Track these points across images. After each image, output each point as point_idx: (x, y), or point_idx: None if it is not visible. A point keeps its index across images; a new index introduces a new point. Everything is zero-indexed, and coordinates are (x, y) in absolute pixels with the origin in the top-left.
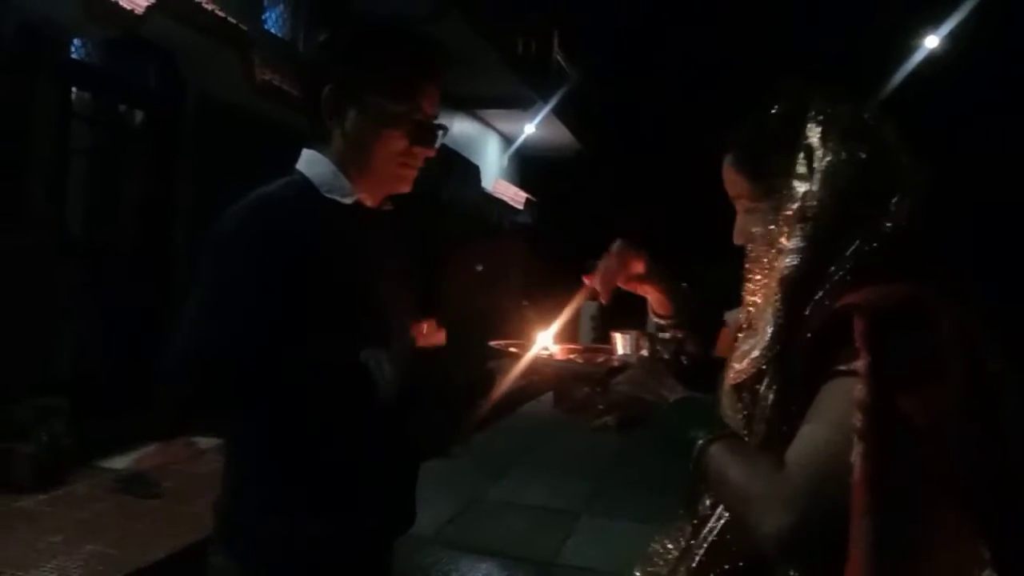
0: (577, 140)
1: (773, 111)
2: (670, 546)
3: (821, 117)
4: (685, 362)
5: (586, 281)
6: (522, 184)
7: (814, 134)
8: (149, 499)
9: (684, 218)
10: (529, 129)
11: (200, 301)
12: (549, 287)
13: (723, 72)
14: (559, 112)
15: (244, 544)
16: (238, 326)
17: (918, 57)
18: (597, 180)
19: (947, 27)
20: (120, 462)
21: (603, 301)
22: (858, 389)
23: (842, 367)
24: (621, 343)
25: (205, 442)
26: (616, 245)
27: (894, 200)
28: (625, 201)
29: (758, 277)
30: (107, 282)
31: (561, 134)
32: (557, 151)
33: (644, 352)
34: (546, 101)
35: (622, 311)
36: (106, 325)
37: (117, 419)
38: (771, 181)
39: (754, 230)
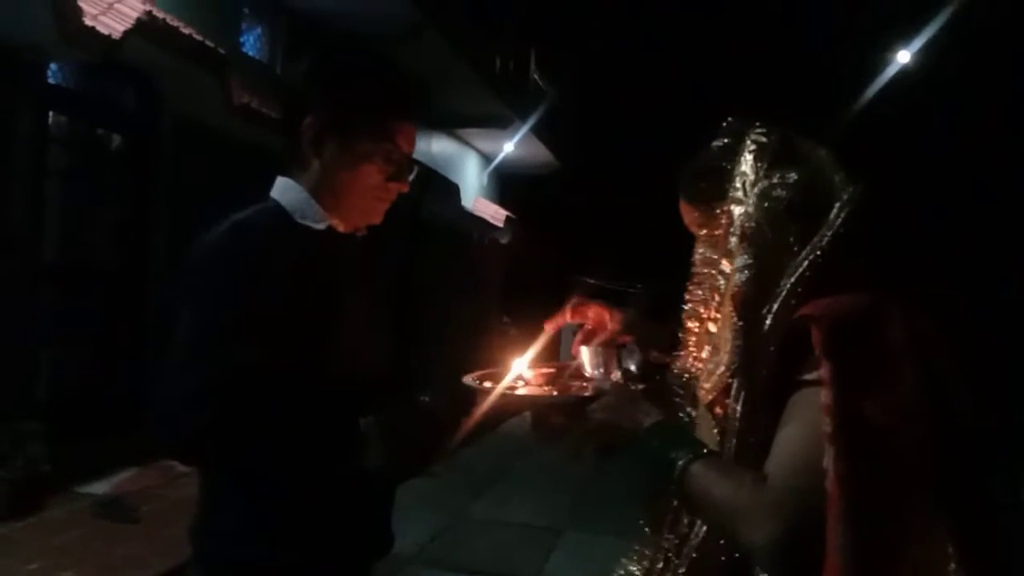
0: (555, 158)
1: (714, 146)
2: (634, 570)
3: (754, 147)
4: (656, 375)
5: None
6: (501, 202)
7: (747, 162)
8: (127, 524)
9: (661, 235)
10: (508, 147)
11: (193, 333)
12: (530, 304)
13: (699, 89)
14: (537, 130)
15: (221, 568)
16: (246, 354)
17: (890, 72)
18: (576, 197)
19: (918, 43)
20: (98, 487)
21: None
22: (824, 395)
23: (807, 377)
24: (588, 357)
25: (183, 467)
26: (589, 312)
27: (831, 213)
28: (604, 218)
29: (700, 298)
30: (85, 306)
31: (540, 152)
32: (536, 169)
33: (612, 367)
34: (524, 119)
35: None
36: (84, 349)
37: (95, 443)
38: (713, 208)
39: (704, 257)
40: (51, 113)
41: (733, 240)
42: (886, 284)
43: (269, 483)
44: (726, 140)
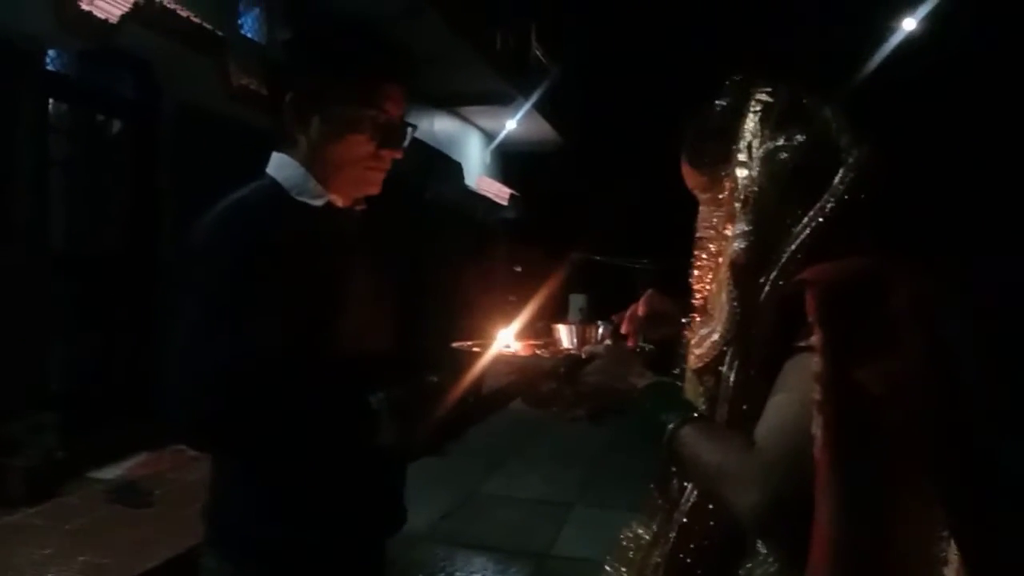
0: (558, 134)
1: (717, 106)
2: (641, 531)
3: (759, 107)
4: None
5: (622, 328)
6: (505, 180)
7: (752, 123)
8: (141, 508)
9: (666, 210)
10: (510, 125)
11: (199, 317)
12: (536, 281)
13: (703, 62)
14: (540, 107)
15: (234, 546)
16: (253, 336)
17: (896, 39)
18: (580, 173)
19: (924, 9)
20: (111, 472)
21: (631, 344)
22: (815, 362)
23: (801, 343)
24: (565, 334)
25: (194, 450)
26: (648, 297)
27: (836, 178)
28: (609, 193)
29: (705, 263)
30: (93, 293)
31: (542, 129)
32: (539, 145)
33: (592, 341)
34: (526, 96)
35: (611, 304)
36: (93, 337)
37: (107, 430)
38: (716, 171)
39: (709, 219)
40: (51, 101)
41: (736, 205)
42: (893, 251)
43: (281, 463)
44: (730, 99)
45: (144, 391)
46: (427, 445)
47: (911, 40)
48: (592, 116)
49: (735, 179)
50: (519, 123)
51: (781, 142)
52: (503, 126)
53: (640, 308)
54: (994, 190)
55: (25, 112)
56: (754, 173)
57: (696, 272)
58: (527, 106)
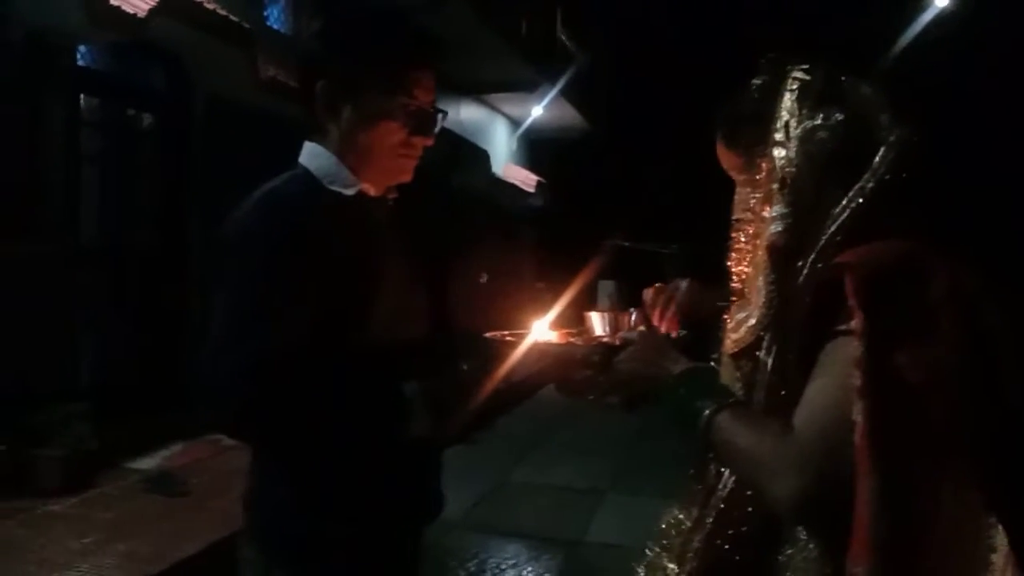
0: (585, 120)
1: (753, 85)
2: (682, 516)
3: (796, 85)
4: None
5: (654, 319)
6: (532, 167)
7: (789, 102)
8: (177, 497)
9: (696, 195)
10: (536, 111)
11: (236, 308)
12: (564, 268)
13: (731, 44)
14: (566, 93)
15: (273, 538)
16: (289, 326)
17: (928, 16)
18: (608, 159)
19: None
20: (147, 462)
21: (672, 333)
22: (854, 347)
23: (841, 327)
24: (598, 322)
25: (230, 440)
26: (686, 285)
27: (876, 158)
28: (637, 179)
29: (744, 246)
30: (125, 284)
31: (569, 115)
32: (566, 132)
33: (625, 329)
34: (552, 82)
35: (641, 289)
36: (126, 328)
37: (141, 420)
38: (753, 152)
39: (751, 204)
40: (82, 96)
41: (773, 186)
42: (933, 235)
43: (316, 453)
44: (765, 78)
45: (177, 381)
46: (458, 435)
47: (941, 21)
48: (619, 101)
49: (772, 159)
50: (545, 109)
51: (819, 121)
52: (529, 113)
53: (671, 304)
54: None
55: (57, 107)
56: (791, 153)
57: (734, 255)
58: (553, 92)
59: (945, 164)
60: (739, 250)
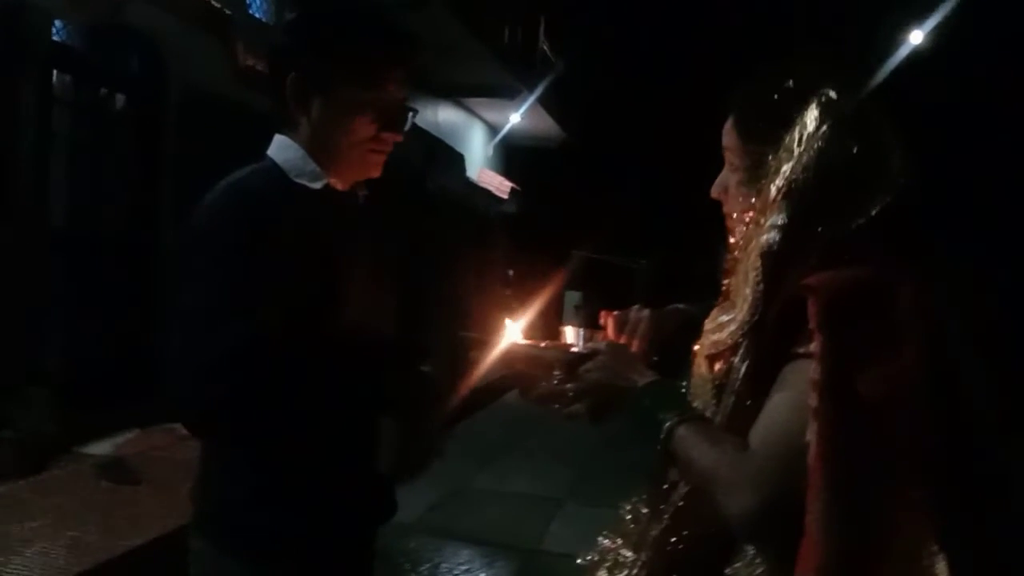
0: (562, 129)
1: (783, 83)
2: (643, 508)
3: (824, 100)
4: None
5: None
6: (507, 173)
7: (812, 115)
8: (130, 485)
9: (666, 210)
10: (514, 118)
11: (200, 303)
12: (533, 275)
13: (709, 62)
14: (544, 101)
15: (222, 531)
16: (255, 321)
17: (902, 53)
18: (582, 170)
19: (931, 22)
20: (101, 448)
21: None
22: (812, 369)
23: (800, 350)
24: (572, 337)
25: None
26: (646, 317)
27: (874, 200)
28: (610, 190)
29: (734, 245)
30: (90, 269)
31: (546, 123)
32: (542, 140)
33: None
34: (531, 90)
35: (607, 302)
36: (89, 313)
37: (99, 407)
38: (760, 148)
39: (731, 190)
40: (55, 73)
41: (773, 190)
42: (900, 257)
43: (273, 449)
44: (795, 82)
45: (142, 369)
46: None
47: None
48: (596, 113)
49: (780, 162)
50: (523, 117)
51: (837, 147)
52: (507, 119)
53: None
54: (995, 192)
55: (29, 81)
56: (799, 167)
57: (729, 256)
58: (531, 100)
59: (930, 201)
60: (734, 253)
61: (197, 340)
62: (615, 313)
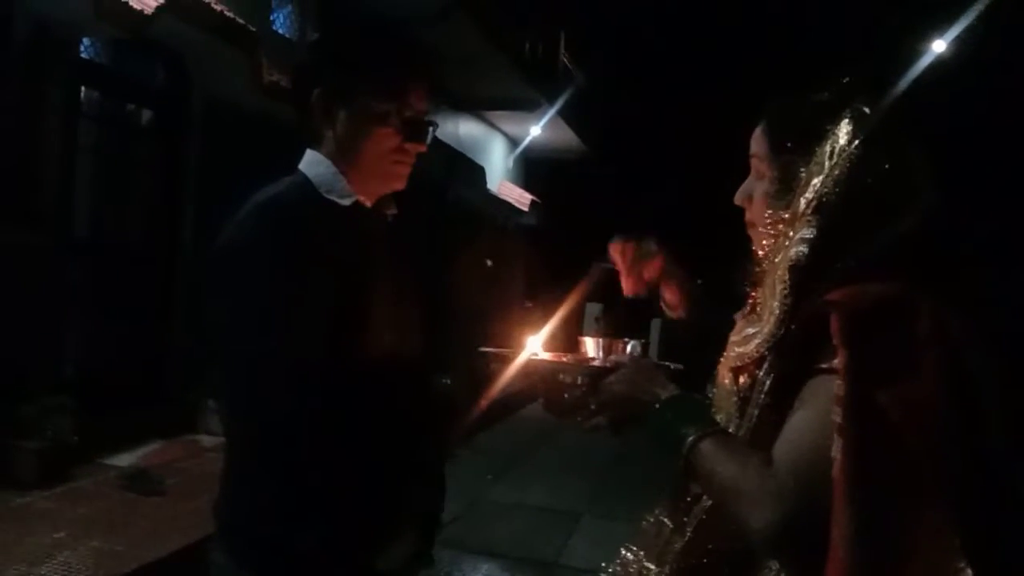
0: (582, 142)
1: (818, 97)
2: (664, 520)
3: (857, 114)
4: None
5: (615, 260)
6: (527, 186)
7: (845, 130)
8: (153, 496)
9: (690, 220)
10: (535, 131)
11: (254, 322)
12: (553, 289)
13: (728, 75)
14: (565, 114)
15: (243, 545)
16: (305, 336)
17: (925, 61)
18: (602, 182)
19: (954, 31)
20: (124, 459)
21: (627, 293)
22: (837, 385)
23: (823, 365)
24: (592, 347)
25: (208, 440)
26: (636, 243)
27: (902, 218)
28: (630, 203)
29: (762, 257)
30: (113, 280)
31: (566, 136)
32: (562, 153)
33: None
34: (552, 103)
35: (628, 314)
36: (112, 323)
37: (122, 417)
38: (789, 159)
39: (756, 198)
40: (83, 88)
41: (802, 203)
42: (921, 273)
43: (300, 464)
44: (829, 97)
45: (161, 379)
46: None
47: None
48: (616, 126)
49: (811, 175)
50: (543, 129)
51: (868, 165)
52: (527, 132)
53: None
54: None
55: (57, 97)
56: (829, 182)
57: (757, 268)
58: (552, 112)
59: (955, 222)
60: (761, 265)
61: (268, 353)
62: (625, 240)
